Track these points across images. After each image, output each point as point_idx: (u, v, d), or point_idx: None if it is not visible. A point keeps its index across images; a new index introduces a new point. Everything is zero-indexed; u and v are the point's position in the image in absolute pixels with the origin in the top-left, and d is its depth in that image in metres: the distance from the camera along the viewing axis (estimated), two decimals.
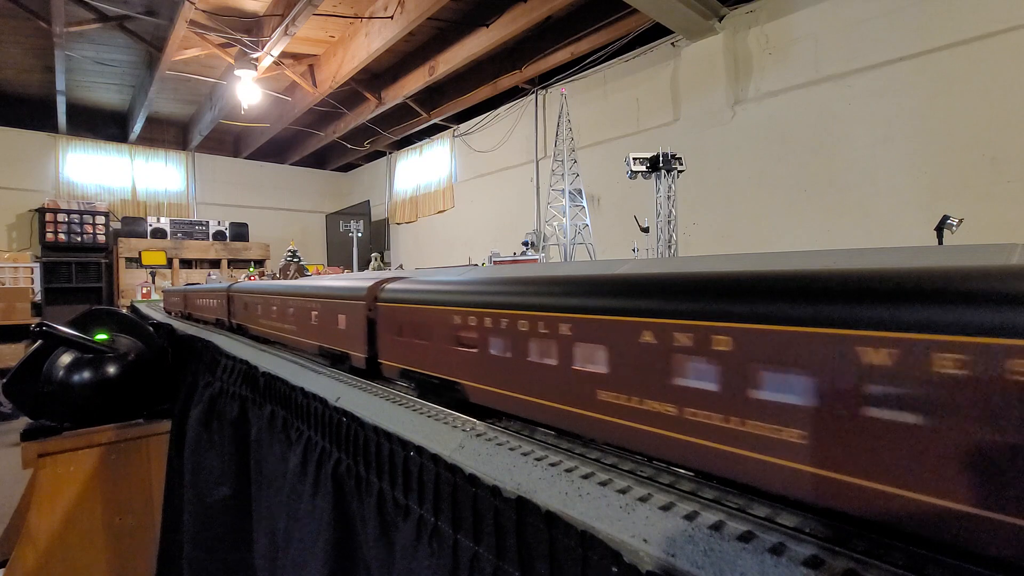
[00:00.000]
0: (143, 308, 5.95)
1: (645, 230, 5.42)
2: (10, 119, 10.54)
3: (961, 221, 3.51)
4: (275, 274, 9.49)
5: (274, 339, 2.34)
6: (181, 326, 3.68)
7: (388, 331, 1.42)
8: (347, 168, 14.98)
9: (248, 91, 8.31)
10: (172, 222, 11.91)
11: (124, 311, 4.40)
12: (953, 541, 0.47)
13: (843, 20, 5.45)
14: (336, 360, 1.73)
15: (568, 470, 0.81)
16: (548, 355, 0.90)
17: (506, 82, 8.64)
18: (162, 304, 5.98)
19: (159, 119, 11.93)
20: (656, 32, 6.85)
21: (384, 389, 1.43)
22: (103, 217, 11.04)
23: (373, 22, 7.36)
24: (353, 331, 1.58)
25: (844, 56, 5.46)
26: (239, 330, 2.93)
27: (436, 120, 10.37)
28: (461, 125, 10.67)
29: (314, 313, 1.86)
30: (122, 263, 10.97)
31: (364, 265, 10.65)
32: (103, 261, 11.10)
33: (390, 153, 13.08)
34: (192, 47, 7.74)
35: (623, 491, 0.72)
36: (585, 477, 0.78)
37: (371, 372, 1.52)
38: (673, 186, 5.02)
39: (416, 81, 8.75)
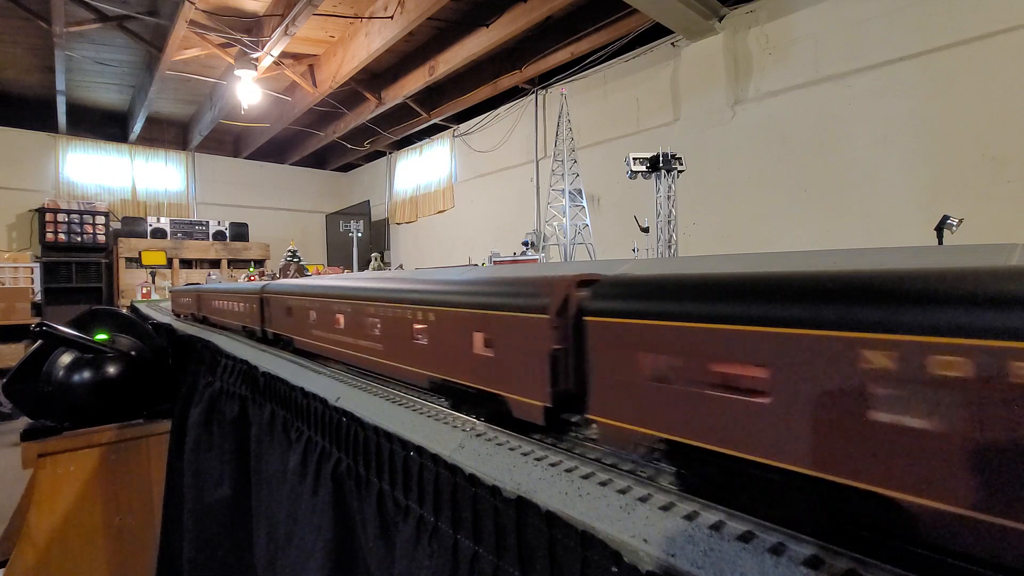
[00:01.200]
0: (143, 308, 5.95)
1: (645, 230, 5.42)
2: (10, 119, 10.54)
3: (961, 221, 3.51)
4: (275, 274, 9.49)
5: (337, 357, 1.71)
6: (182, 326, 3.67)
7: (617, 368, 0.79)
8: (347, 168, 14.98)
9: (248, 91, 8.31)
10: (172, 222, 11.92)
11: (124, 311, 4.40)
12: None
13: (843, 20, 5.45)
14: (466, 401, 1.12)
15: (568, 470, 0.81)
16: None
17: (506, 82, 8.65)
18: (169, 306, 5.73)
19: (159, 119, 11.93)
20: (656, 32, 6.85)
21: (385, 389, 1.42)
22: (103, 217, 11.04)
23: (373, 22, 7.36)
24: (514, 360, 0.96)
25: (844, 56, 5.46)
26: (276, 341, 2.35)
27: (436, 120, 10.38)
28: (461, 125, 10.68)
29: (420, 327, 1.23)
30: (122, 263, 10.98)
31: (364, 265, 10.65)
32: (103, 261, 11.10)
33: (390, 153, 13.08)
34: (192, 47, 7.74)
35: (623, 491, 0.72)
36: (585, 477, 0.78)
37: (555, 428, 0.96)
38: (673, 186, 5.02)
39: (416, 81, 8.76)
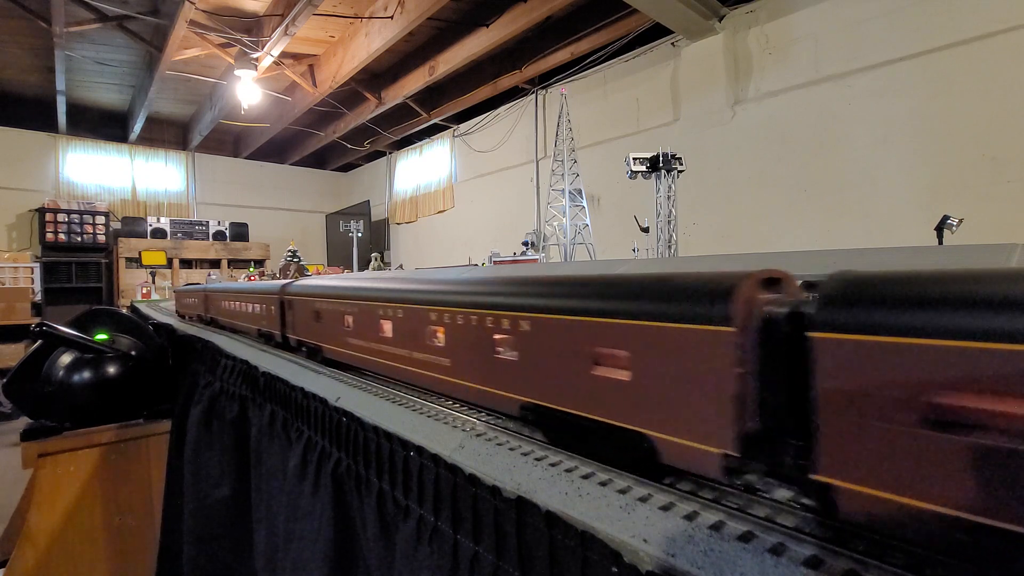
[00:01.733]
0: (143, 308, 5.95)
1: (645, 230, 5.42)
2: (10, 119, 10.55)
3: (961, 221, 3.51)
4: (275, 274, 9.49)
5: (382, 371, 1.49)
6: (183, 326, 3.67)
7: (886, 411, 0.51)
8: (347, 168, 14.98)
9: (248, 91, 8.31)
10: (172, 222, 11.93)
11: (124, 311, 4.39)
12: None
13: (843, 20, 5.45)
14: (579, 435, 0.88)
15: (568, 470, 0.81)
16: None
17: (506, 82, 8.65)
18: (169, 306, 5.46)
19: (159, 119, 11.93)
20: (656, 32, 6.85)
21: (385, 389, 1.42)
22: (103, 217, 11.05)
23: (373, 22, 7.36)
24: (671, 387, 0.71)
25: (844, 56, 5.46)
26: (300, 349, 2.08)
27: (436, 120, 10.38)
28: (461, 125, 10.68)
29: (505, 338, 1.02)
30: (122, 263, 10.98)
31: (364, 265, 10.65)
32: (103, 261, 11.11)
33: (390, 153, 13.08)
34: (192, 47, 7.74)
35: (623, 491, 0.72)
36: (585, 477, 0.78)
37: (736, 481, 0.71)
38: (673, 186, 5.02)
39: (416, 81, 8.76)
